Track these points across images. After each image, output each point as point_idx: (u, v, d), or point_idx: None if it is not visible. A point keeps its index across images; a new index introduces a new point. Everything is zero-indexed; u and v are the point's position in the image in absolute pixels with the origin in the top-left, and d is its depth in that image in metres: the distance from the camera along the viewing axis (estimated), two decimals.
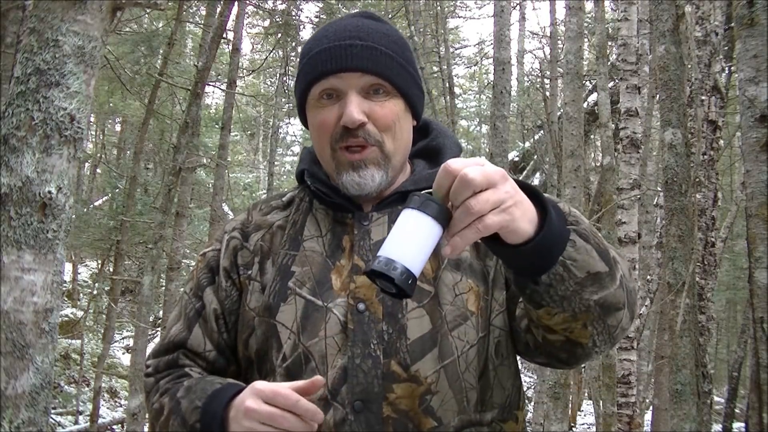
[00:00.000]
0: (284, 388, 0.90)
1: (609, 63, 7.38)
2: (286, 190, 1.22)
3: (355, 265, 1.05)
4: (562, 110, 6.97)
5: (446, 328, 1.02)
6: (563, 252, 0.85)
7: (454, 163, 0.79)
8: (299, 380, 0.93)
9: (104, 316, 10.31)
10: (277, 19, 10.42)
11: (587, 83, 10.77)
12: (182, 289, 1.20)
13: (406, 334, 1.00)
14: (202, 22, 7.63)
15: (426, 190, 0.81)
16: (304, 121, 1.15)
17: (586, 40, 11.02)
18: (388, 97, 1.07)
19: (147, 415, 1.18)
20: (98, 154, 14.12)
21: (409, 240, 0.76)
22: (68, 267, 12.33)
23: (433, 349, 1.00)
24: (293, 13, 10.50)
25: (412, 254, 0.76)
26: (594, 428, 8.65)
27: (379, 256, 0.78)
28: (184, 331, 1.13)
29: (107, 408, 9.71)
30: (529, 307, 0.93)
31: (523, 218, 0.81)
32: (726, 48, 5.71)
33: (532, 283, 0.87)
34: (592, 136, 12.28)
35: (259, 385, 0.93)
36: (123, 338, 12.19)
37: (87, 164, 14.92)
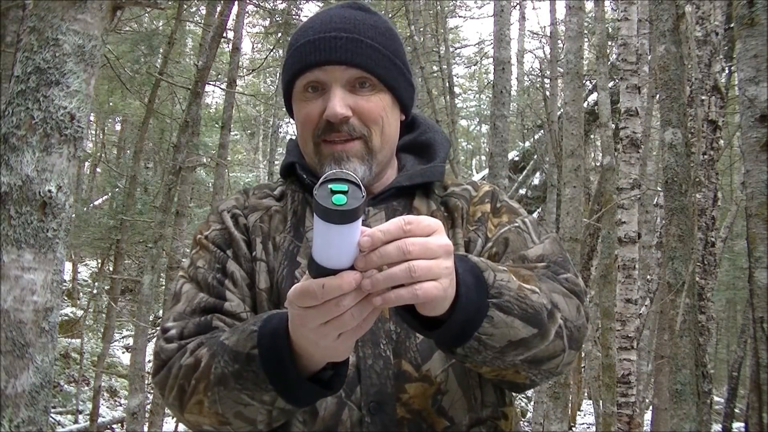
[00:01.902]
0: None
1: (609, 63, 7.39)
2: (272, 184, 1.18)
3: None
4: (562, 110, 6.96)
5: None
6: (478, 328, 0.82)
7: (415, 225, 0.72)
8: None
9: (104, 315, 10.30)
10: (277, 19, 10.41)
11: (587, 83, 10.77)
12: (182, 274, 1.09)
13: (415, 333, 0.98)
14: (202, 21, 7.63)
15: (332, 178, 0.72)
16: (291, 113, 1.12)
17: (586, 39, 11.01)
18: (374, 91, 1.05)
19: (154, 388, 0.99)
20: (98, 154, 14.11)
21: (329, 246, 0.73)
22: (68, 266, 12.33)
23: None
24: (293, 13, 10.49)
25: (339, 260, 0.73)
26: (594, 428, 8.65)
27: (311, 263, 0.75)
28: (212, 297, 1.02)
29: (107, 407, 9.71)
30: None
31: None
32: (726, 48, 5.71)
33: (448, 352, 0.87)
34: (592, 136, 12.28)
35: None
36: (123, 337, 12.18)
37: (87, 163, 14.92)
